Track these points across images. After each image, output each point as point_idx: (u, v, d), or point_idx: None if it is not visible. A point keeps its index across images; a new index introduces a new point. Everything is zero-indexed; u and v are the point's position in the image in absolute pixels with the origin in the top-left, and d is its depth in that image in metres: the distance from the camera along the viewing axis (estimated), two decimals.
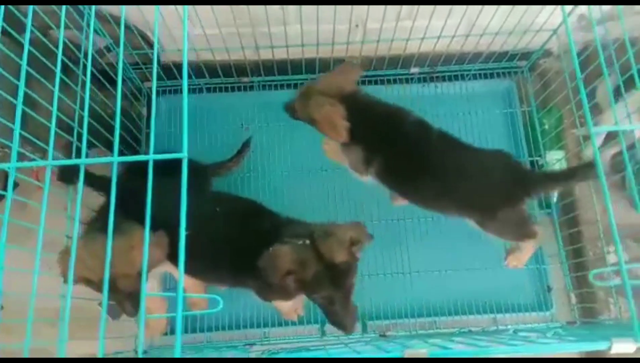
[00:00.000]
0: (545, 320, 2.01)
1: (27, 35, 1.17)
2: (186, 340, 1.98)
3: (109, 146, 1.71)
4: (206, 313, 1.95)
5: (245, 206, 1.70)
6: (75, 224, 1.19)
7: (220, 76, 2.23)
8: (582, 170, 1.64)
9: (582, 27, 1.91)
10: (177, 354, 0.88)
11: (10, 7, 1.34)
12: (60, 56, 1.22)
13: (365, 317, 2.00)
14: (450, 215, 1.87)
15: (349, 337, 1.78)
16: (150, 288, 1.75)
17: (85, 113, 1.23)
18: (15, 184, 1.90)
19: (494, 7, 1.85)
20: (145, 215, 1.00)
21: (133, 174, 1.65)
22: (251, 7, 1.80)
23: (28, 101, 1.34)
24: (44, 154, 1.18)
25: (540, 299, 2.05)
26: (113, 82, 1.32)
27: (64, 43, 1.59)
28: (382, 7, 1.84)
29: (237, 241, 1.55)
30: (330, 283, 1.36)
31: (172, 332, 1.92)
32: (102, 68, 1.90)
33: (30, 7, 1.21)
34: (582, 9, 1.74)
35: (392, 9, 1.85)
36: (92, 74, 1.78)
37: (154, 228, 1.23)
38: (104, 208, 1.60)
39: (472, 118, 2.25)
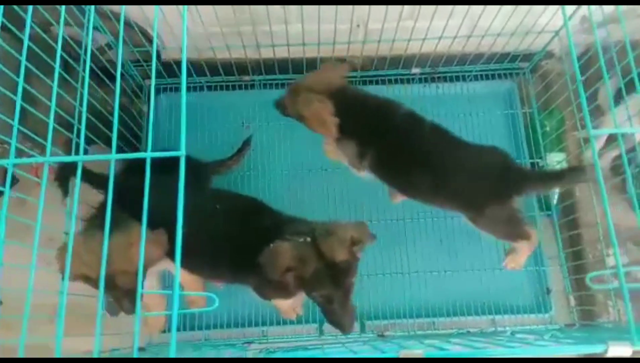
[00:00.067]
0: (544, 322, 2.01)
1: (27, 31, 1.17)
2: (185, 338, 1.98)
3: (109, 143, 1.71)
4: (202, 311, 1.95)
5: (247, 203, 1.71)
6: (72, 220, 1.19)
7: (221, 74, 2.23)
8: (571, 173, 1.65)
9: (585, 29, 1.91)
10: (172, 354, 0.88)
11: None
12: (59, 52, 1.22)
13: (363, 317, 2.00)
14: (444, 208, 1.86)
15: (347, 336, 1.78)
16: (149, 285, 1.76)
17: (84, 110, 1.24)
18: (16, 181, 1.90)
19: (496, 8, 1.84)
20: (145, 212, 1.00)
21: (133, 171, 1.66)
22: (252, 5, 1.80)
23: (28, 97, 1.35)
24: (43, 150, 1.18)
25: (539, 301, 2.04)
26: (114, 80, 1.33)
27: (65, 40, 1.60)
28: (383, 7, 1.83)
29: (238, 238, 1.56)
30: (329, 282, 1.36)
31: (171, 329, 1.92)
32: (103, 65, 1.90)
33: (30, 7, 1.21)
34: (585, 10, 1.73)
35: (393, 9, 1.85)
36: (93, 71, 1.79)
37: (154, 225, 1.24)
38: (104, 205, 1.60)
39: (473, 119, 2.25)
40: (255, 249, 1.39)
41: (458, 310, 2.02)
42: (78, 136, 1.44)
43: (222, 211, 1.64)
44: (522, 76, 2.29)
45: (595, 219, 1.84)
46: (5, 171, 1.16)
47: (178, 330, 1.98)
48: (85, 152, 1.67)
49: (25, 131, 1.39)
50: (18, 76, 1.19)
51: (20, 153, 1.53)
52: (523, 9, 1.85)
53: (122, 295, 1.41)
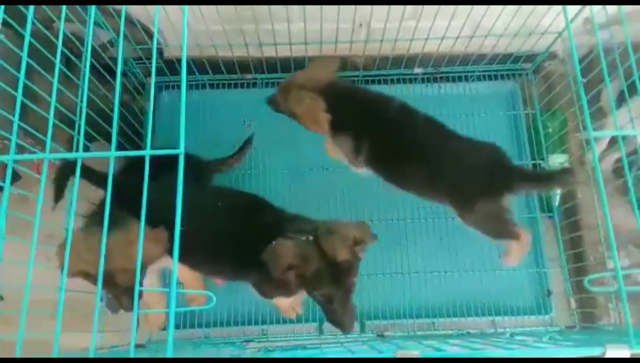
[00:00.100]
0: (545, 324, 2.00)
1: (28, 27, 1.18)
2: (185, 336, 1.98)
3: (110, 141, 1.71)
4: (200, 310, 1.95)
5: (250, 201, 1.71)
6: (71, 217, 1.19)
7: (223, 72, 2.23)
8: (561, 174, 1.64)
9: (588, 31, 1.90)
10: (169, 354, 0.87)
11: None
12: (60, 49, 1.22)
13: (363, 317, 2.00)
14: (438, 202, 1.86)
15: (346, 336, 1.78)
16: (149, 283, 1.76)
17: (84, 106, 1.24)
18: (18, 177, 1.91)
19: (499, 8, 1.84)
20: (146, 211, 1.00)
21: (135, 169, 1.66)
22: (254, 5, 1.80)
23: (29, 93, 1.35)
24: (45, 147, 1.18)
25: (540, 303, 2.04)
26: (116, 77, 1.33)
27: (67, 37, 1.61)
28: (386, 7, 1.83)
29: (240, 235, 1.56)
30: (330, 281, 1.36)
31: None
32: (105, 62, 1.90)
33: (31, 6, 1.21)
34: (589, 12, 1.72)
35: (396, 9, 1.85)
36: (95, 68, 1.80)
37: (155, 223, 1.24)
38: (105, 202, 1.61)
39: (475, 119, 2.24)
40: (257, 246, 1.39)
41: (458, 310, 2.02)
42: (80, 132, 1.45)
43: (224, 208, 1.64)
44: (524, 76, 2.28)
45: (597, 221, 1.83)
46: (6, 167, 1.16)
47: (177, 327, 1.98)
48: (87, 149, 1.68)
49: (27, 127, 1.40)
50: (19, 72, 1.19)
51: (22, 150, 1.53)
52: (526, 9, 1.85)
53: (121, 292, 1.42)
